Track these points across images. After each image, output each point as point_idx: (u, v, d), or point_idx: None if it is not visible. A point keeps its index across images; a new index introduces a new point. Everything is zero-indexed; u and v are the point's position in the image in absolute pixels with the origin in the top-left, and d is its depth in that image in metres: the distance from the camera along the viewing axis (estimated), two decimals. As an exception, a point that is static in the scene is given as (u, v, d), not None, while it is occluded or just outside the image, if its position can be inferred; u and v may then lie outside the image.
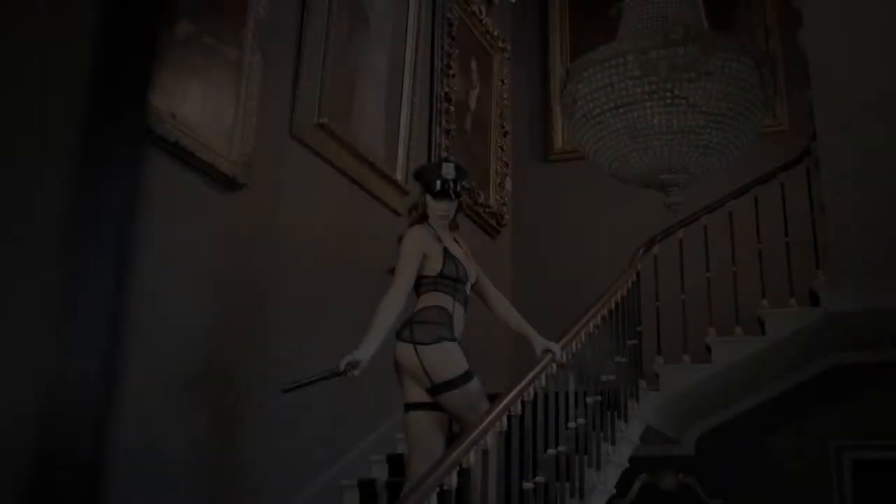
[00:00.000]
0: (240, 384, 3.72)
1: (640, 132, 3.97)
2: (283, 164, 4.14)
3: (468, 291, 3.33)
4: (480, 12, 6.35)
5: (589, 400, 3.99)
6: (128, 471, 2.97)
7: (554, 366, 3.53)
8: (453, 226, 3.40)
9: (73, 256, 0.53)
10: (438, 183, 3.29)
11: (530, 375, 3.33)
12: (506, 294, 3.94)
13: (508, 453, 3.19)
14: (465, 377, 3.13)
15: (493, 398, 3.13)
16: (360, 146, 4.62)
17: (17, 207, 0.52)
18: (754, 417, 5.75)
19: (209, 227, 3.62)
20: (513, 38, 7.02)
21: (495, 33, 6.57)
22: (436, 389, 3.11)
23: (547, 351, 3.45)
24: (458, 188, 3.35)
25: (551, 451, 3.53)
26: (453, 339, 3.18)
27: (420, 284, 3.25)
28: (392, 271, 3.24)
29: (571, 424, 3.77)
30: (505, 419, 3.10)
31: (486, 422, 2.91)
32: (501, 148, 6.51)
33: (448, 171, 3.33)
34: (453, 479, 2.66)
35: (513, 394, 3.17)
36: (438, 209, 3.30)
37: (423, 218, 3.33)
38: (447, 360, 3.13)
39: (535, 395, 3.40)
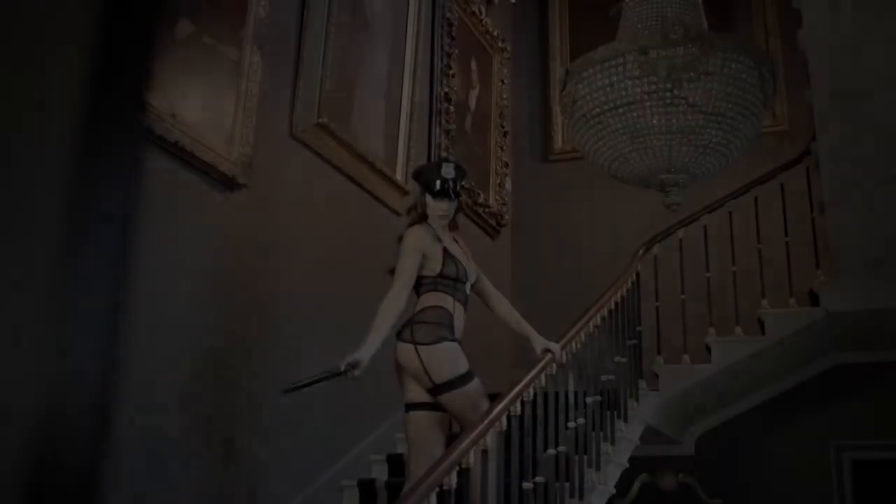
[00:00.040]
0: (240, 384, 3.72)
1: (639, 132, 3.97)
2: (282, 164, 4.14)
3: (468, 291, 3.33)
4: (480, 12, 6.35)
5: (589, 400, 3.99)
6: (128, 471, 2.97)
7: (554, 366, 3.53)
8: (453, 226, 3.40)
9: (73, 256, 0.53)
10: (438, 183, 3.29)
11: (530, 375, 3.33)
12: (506, 294, 3.94)
13: (508, 453, 3.19)
14: (466, 377, 3.13)
15: (494, 398, 3.13)
16: (360, 146, 4.62)
17: (16, 207, 0.52)
18: (754, 417, 5.75)
19: (209, 227, 3.62)
20: (513, 38, 7.02)
21: (495, 33, 6.57)
22: (436, 389, 3.11)
23: (547, 351, 3.45)
24: (458, 188, 3.34)
25: (551, 451, 3.53)
26: (454, 340, 3.18)
27: (420, 284, 3.25)
28: (392, 271, 3.24)
29: (571, 424, 3.77)
30: (505, 419, 3.10)
31: (485, 422, 2.91)
32: (501, 148, 6.51)
33: (448, 170, 3.32)
34: (453, 479, 2.66)
35: (512, 394, 3.17)
36: (438, 209, 3.30)
37: (422, 218, 3.33)
38: (448, 360, 3.13)
39: (535, 395, 3.40)
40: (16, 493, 0.49)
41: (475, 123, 6.18)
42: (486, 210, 6.11)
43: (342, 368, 2.99)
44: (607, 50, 4.02)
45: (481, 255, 4.52)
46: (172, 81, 3.40)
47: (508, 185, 6.56)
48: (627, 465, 4.47)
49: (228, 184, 3.69)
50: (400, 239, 3.29)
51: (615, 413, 4.34)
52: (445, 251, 3.26)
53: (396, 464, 4.27)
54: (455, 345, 3.18)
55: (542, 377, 3.46)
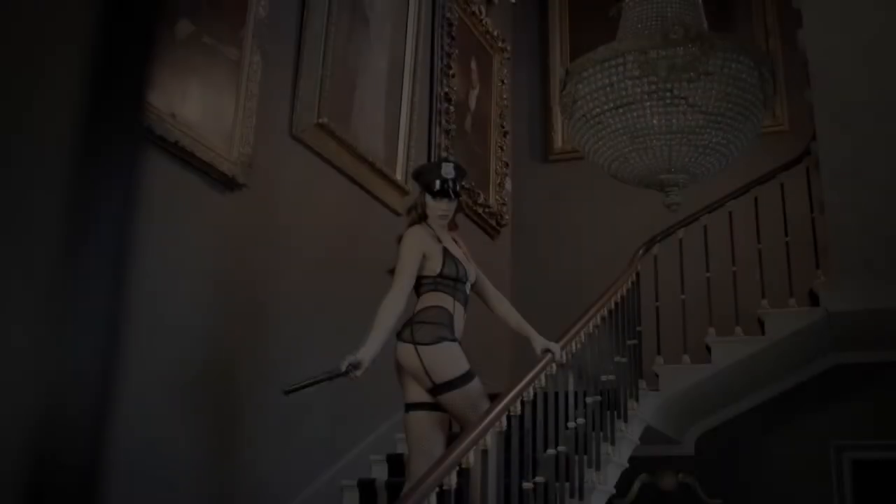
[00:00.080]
0: (240, 384, 3.72)
1: (639, 132, 3.97)
2: (282, 164, 4.14)
3: (468, 291, 3.33)
4: (480, 12, 6.35)
5: (588, 400, 3.99)
6: (128, 471, 2.97)
7: (554, 366, 3.53)
8: (452, 226, 3.40)
9: (72, 256, 0.53)
10: (438, 182, 3.29)
11: (530, 375, 3.33)
12: (506, 294, 3.94)
13: (508, 453, 3.19)
14: (466, 377, 3.14)
15: (493, 398, 3.13)
16: (360, 146, 4.62)
17: (16, 207, 0.52)
18: (754, 417, 5.76)
19: (209, 227, 3.62)
20: (513, 38, 7.02)
21: (495, 33, 6.57)
22: (437, 389, 3.12)
23: (546, 351, 3.45)
24: (458, 188, 3.34)
25: (551, 451, 3.53)
26: (454, 340, 3.18)
27: (420, 285, 3.25)
28: (392, 272, 3.24)
29: (571, 424, 3.77)
30: (504, 419, 3.10)
31: (485, 422, 2.91)
32: (501, 148, 6.51)
33: (447, 170, 3.32)
34: (453, 479, 2.66)
35: (512, 394, 3.17)
36: (438, 209, 3.30)
37: (422, 218, 3.33)
38: (448, 360, 3.13)
39: (535, 394, 3.40)
40: (16, 493, 0.49)
41: (475, 123, 6.18)
42: (486, 210, 6.11)
43: (343, 369, 2.99)
44: (607, 50, 4.01)
45: (481, 255, 4.52)
46: (172, 81, 3.40)
47: (508, 185, 6.56)
48: (627, 465, 4.47)
49: (228, 184, 3.69)
50: (399, 239, 3.29)
51: (615, 413, 4.34)
52: (445, 251, 3.26)
53: (396, 464, 4.27)
54: (455, 345, 3.18)
55: (542, 377, 3.46)
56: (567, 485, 3.68)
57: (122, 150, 0.57)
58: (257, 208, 3.91)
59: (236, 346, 3.73)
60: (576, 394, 3.88)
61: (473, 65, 6.24)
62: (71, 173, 0.53)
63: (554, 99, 6.49)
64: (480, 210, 6.02)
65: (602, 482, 4.02)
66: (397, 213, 4.81)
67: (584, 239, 6.43)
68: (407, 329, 3.17)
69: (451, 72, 5.76)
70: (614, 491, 4.28)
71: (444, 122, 5.63)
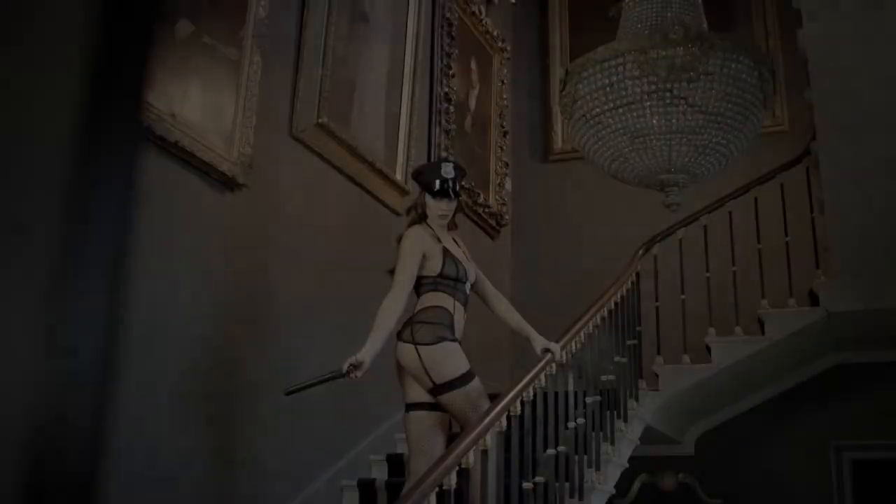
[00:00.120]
0: (239, 384, 3.72)
1: (639, 132, 3.97)
2: (282, 164, 4.14)
3: (468, 291, 3.33)
4: (480, 12, 6.35)
5: (588, 400, 3.99)
6: (128, 471, 2.97)
7: (553, 366, 3.53)
8: (452, 226, 3.40)
9: (70, 256, 0.53)
10: (437, 182, 3.29)
11: (530, 375, 3.33)
12: (506, 294, 3.94)
13: (508, 453, 3.19)
14: (467, 377, 3.14)
15: (494, 398, 3.13)
16: (360, 146, 4.62)
17: (16, 207, 0.52)
18: (754, 417, 5.76)
19: (209, 227, 3.62)
20: (513, 38, 7.02)
21: (495, 33, 6.57)
22: (437, 389, 3.12)
23: (546, 350, 3.45)
24: (458, 187, 3.34)
25: (551, 450, 3.53)
26: (454, 340, 3.18)
27: (420, 285, 3.25)
28: (392, 272, 3.24)
29: (571, 424, 3.77)
30: (504, 419, 3.10)
31: (485, 422, 2.91)
32: (501, 148, 6.51)
33: (447, 170, 3.32)
34: (453, 479, 2.66)
35: (512, 394, 3.17)
36: (438, 209, 3.30)
37: (422, 218, 3.33)
38: (448, 360, 3.13)
39: (535, 394, 3.40)
40: (15, 493, 0.49)
41: (475, 123, 6.18)
42: (486, 210, 6.11)
43: (344, 370, 2.99)
44: (607, 50, 4.01)
45: (481, 255, 4.52)
46: (172, 81, 3.40)
47: (508, 185, 6.56)
48: (627, 465, 4.47)
49: (228, 184, 3.69)
50: (399, 239, 3.29)
51: (615, 413, 4.34)
52: (445, 251, 3.26)
53: (396, 464, 4.27)
54: (455, 345, 3.18)
55: (542, 377, 3.46)
56: (567, 485, 3.68)
57: (121, 150, 0.57)
58: (257, 208, 3.91)
59: (236, 345, 3.73)
60: (576, 394, 3.88)
61: (473, 65, 6.24)
62: (71, 173, 0.54)
63: (554, 99, 6.48)
64: (480, 210, 6.02)
65: (602, 482, 4.02)
66: (397, 213, 4.81)
67: (584, 239, 6.43)
68: (407, 329, 3.17)
69: (450, 72, 5.76)
70: (614, 491, 4.28)
71: (444, 122, 5.63)
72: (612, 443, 4.23)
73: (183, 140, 3.38)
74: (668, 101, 3.87)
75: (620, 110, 3.96)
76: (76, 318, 0.54)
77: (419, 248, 3.22)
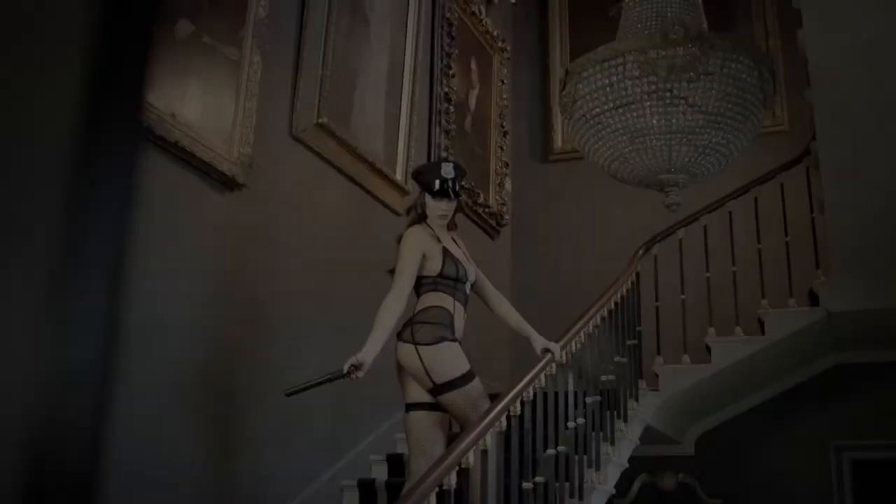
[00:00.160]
0: (239, 384, 3.72)
1: (639, 132, 3.97)
2: (282, 164, 4.14)
3: (468, 291, 3.33)
4: (480, 12, 6.35)
5: (588, 400, 3.99)
6: (127, 471, 2.97)
7: (553, 365, 3.53)
8: (452, 225, 3.40)
9: (70, 256, 0.53)
10: (437, 182, 3.29)
11: (530, 375, 3.33)
12: (506, 294, 3.94)
13: (508, 453, 3.19)
14: (467, 377, 3.14)
15: (494, 398, 3.14)
16: (360, 146, 4.62)
17: (16, 207, 0.52)
18: (754, 417, 5.76)
19: (209, 227, 3.62)
20: (513, 38, 7.02)
21: (495, 33, 6.57)
22: (437, 389, 3.12)
23: (546, 350, 3.45)
24: (458, 187, 3.34)
25: (551, 450, 3.53)
26: (454, 339, 3.18)
27: (420, 285, 3.25)
28: (392, 272, 3.24)
29: (571, 424, 3.77)
30: (504, 419, 3.10)
31: (485, 422, 2.91)
32: (501, 148, 6.51)
33: (447, 170, 3.32)
34: (453, 479, 2.66)
35: (512, 394, 3.17)
36: (438, 209, 3.30)
37: (422, 218, 3.33)
38: (448, 360, 3.13)
39: (535, 394, 3.40)
40: (16, 493, 0.49)
41: (475, 123, 6.18)
42: (486, 210, 6.11)
43: (345, 370, 2.99)
44: (607, 50, 4.01)
45: (481, 255, 4.51)
46: (172, 81, 3.40)
47: (508, 185, 6.56)
48: (627, 465, 4.47)
49: (228, 184, 3.69)
50: (399, 239, 3.29)
51: (615, 413, 4.34)
52: (445, 251, 3.26)
53: (396, 464, 4.27)
54: (455, 345, 3.18)
55: (542, 377, 3.46)
56: (567, 485, 3.68)
57: (121, 150, 0.57)
58: (257, 208, 3.91)
59: (236, 345, 3.74)
60: (575, 394, 3.88)
61: (473, 65, 6.24)
62: (71, 173, 0.54)
63: (554, 99, 6.48)
64: (480, 210, 6.02)
65: (602, 482, 4.02)
66: (397, 213, 4.81)
67: (584, 239, 6.43)
68: (407, 329, 3.17)
69: (450, 72, 5.76)
70: (614, 491, 4.28)
71: (443, 122, 5.63)
72: (612, 443, 4.23)
73: (183, 140, 3.38)
74: (668, 101, 3.87)
75: (620, 110, 3.96)
76: (76, 317, 0.54)
77: (419, 248, 3.22)
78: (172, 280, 3.37)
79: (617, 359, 4.45)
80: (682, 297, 5.01)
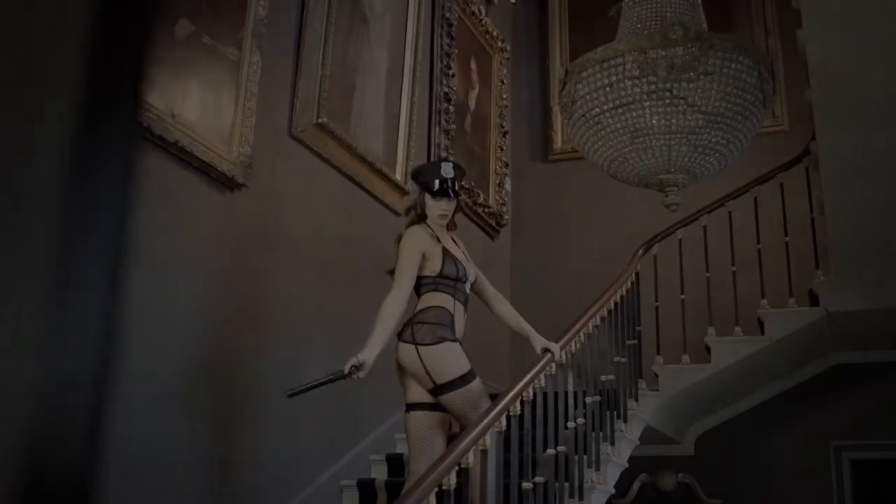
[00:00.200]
0: (239, 383, 3.72)
1: (638, 132, 3.97)
2: (282, 164, 4.14)
3: (468, 291, 3.33)
4: (480, 12, 6.35)
5: (588, 400, 3.99)
6: (127, 471, 2.97)
7: (553, 365, 3.53)
8: (451, 225, 3.40)
9: (68, 256, 0.53)
10: (437, 182, 3.29)
11: (529, 375, 3.33)
12: (506, 294, 3.94)
13: (508, 453, 3.19)
14: (467, 377, 3.14)
15: (494, 398, 3.14)
16: (360, 146, 4.62)
17: (14, 207, 0.52)
18: (754, 417, 5.76)
19: (209, 227, 3.62)
20: (513, 38, 7.02)
21: (495, 33, 6.57)
22: (438, 390, 3.12)
23: (546, 350, 3.45)
24: (457, 187, 3.35)
25: (550, 450, 3.53)
26: (454, 340, 3.18)
27: (420, 285, 3.25)
28: (392, 272, 3.24)
29: (571, 424, 3.77)
30: (504, 419, 3.10)
31: (485, 422, 2.91)
32: (501, 148, 6.51)
33: (447, 170, 3.32)
34: (452, 479, 2.66)
35: (512, 394, 3.17)
36: (437, 208, 3.30)
37: (421, 218, 3.33)
38: (449, 360, 3.13)
39: (535, 394, 3.40)
40: (15, 493, 0.49)
41: (475, 123, 6.18)
42: (486, 210, 6.11)
43: (346, 371, 2.99)
44: (607, 50, 4.01)
45: (481, 255, 4.52)
46: (172, 81, 3.40)
47: (508, 185, 6.56)
48: (627, 465, 4.47)
49: (228, 184, 3.69)
50: (398, 239, 3.29)
51: (615, 413, 4.34)
52: (445, 251, 3.26)
53: (396, 464, 4.28)
54: (456, 345, 3.18)
55: (542, 377, 3.46)
56: (567, 485, 3.68)
57: (119, 149, 0.57)
58: (257, 208, 3.91)
59: (236, 345, 3.73)
60: (575, 394, 3.88)
61: (473, 65, 6.24)
62: (69, 173, 0.54)
63: (554, 99, 6.48)
64: (480, 210, 6.02)
65: (601, 482, 4.02)
66: (397, 213, 4.81)
67: (584, 239, 6.43)
68: (408, 329, 3.17)
69: (450, 72, 5.76)
70: (614, 491, 4.28)
71: (443, 122, 5.63)
72: (612, 443, 4.23)
73: (182, 140, 3.38)
74: (667, 101, 3.87)
75: (620, 110, 3.96)
76: (75, 318, 0.54)
77: (419, 249, 3.22)
78: (172, 280, 3.37)
79: (617, 359, 4.45)
80: (682, 297, 5.01)
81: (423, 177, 3.37)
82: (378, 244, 4.30)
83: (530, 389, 3.35)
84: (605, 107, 4.00)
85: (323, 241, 4.38)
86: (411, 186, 4.44)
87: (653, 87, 3.86)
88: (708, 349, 5.05)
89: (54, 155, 0.54)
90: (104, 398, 0.55)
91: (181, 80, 3.45)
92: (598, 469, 3.98)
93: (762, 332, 5.07)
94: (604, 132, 4.09)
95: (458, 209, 3.40)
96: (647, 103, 3.88)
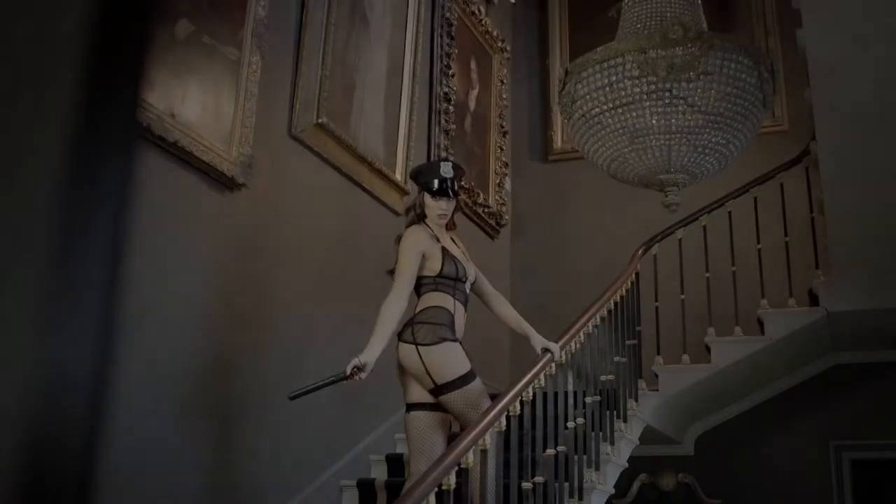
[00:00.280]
0: (239, 384, 3.72)
1: (638, 132, 3.97)
2: (282, 164, 4.14)
3: (468, 291, 3.33)
4: (480, 12, 6.35)
5: (588, 400, 3.99)
6: (127, 471, 2.97)
7: (553, 365, 3.53)
8: (451, 225, 3.40)
9: (67, 256, 0.53)
10: (436, 182, 3.29)
11: (529, 375, 3.33)
12: (505, 294, 3.94)
13: (508, 453, 3.19)
14: (468, 377, 3.14)
15: (494, 398, 3.14)
16: (360, 146, 4.62)
17: (13, 208, 0.52)
18: (754, 417, 5.76)
19: (208, 227, 3.62)
20: (513, 38, 7.02)
21: (495, 33, 6.57)
22: (438, 390, 3.12)
23: (546, 350, 3.45)
24: (456, 187, 3.35)
25: (550, 450, 3.53)
26: (455, 340, 3.18)
27: (420, 285, 3.25)
28: (392, 272, 3.24)
29: (570, 424, 3.77)
30: (504, 419, 3.10)
31: (485, 421, 2.91)
32: (501, 148, 6.51)
33: (446, 169, 3.33)
34: (452, 479, 2.66)
35: (512, 393, 3.17)
36: (437, 208, 3.30)
37: (421, 218, 3.33)
38: (450, 360, 3.13)
39: (534, 394, 3.40)
40: (15, 493, 0.49)
41: (475, 123, 6.18)
42: (486, 210, 6.11)
43: (348, 372, 2.99)
44: (606, 50, 4.01)
45: (481, 255, 4.52)
46: (172, 81, 3.40)
47: (508, 185, 6.56)
48: (627, 465, 4.47)
49: (228, 184, 3.69)
50: (398, 240, 3.29)
51: (615, 413, 4.34)
52: (444, 251, 3.27)
53: (396, 464, 4.28)
54: (456, 345, 3.18)
55: (542, 377, 3.46)
56: (566, 485, 3.68)
57: (118, 148, 0.57)
58: (257, 208, 3.91)
59: (236, 345, 3.73)
60: (575, 394, 3.88)
61: (473, 65, 6.24)
62: (68, 172, 0.54)
63: (554, 99, 6.48)
64: (480, 210, 6.02)
65: (601, 482, 4.02)
66: (397, 213, 4.81)
67: (584, 239, 6.43)
68: (408, 329, 3.17)
69: (450, 72, 5.76)
70: (614, 491, 4.28)
71: (443, 122, 5.63)
72: (612, 443, 4.23)
73: (182, 140, 3.38)
74: (667, 101, 3.87)
75: (620, 110, 3.96)
76: (74, 318, 0.54)
77: (419, 248, 3.22)
78: (172, 280, 3.37)
79: (616, 359, 4.45)
80: (682, 297, 5.01)
81: (422, 177, 3.37)
82: (378, 244, 4.30)
83: (530, 389, 3.35)
84: (605, 107, 4.00)
85: (323, 241, 4.38)
86: (411, 186, 4.44)
87: (652, 87, 3.86)
88: (708, 349, 5.05)
89: (54, 155, 0.54)
90: (104, 398, 0.55)
91: (181, 80, 3.45)
92: (597, 469, 3.98)
93: (762, 332, 5.07)
94: (603, 132, 4.09)
95: (457, 209, 3.40)
96: (647, 103, 3.89)
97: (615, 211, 6.28)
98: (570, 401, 3.81)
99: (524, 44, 7.10)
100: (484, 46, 6.45)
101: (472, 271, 3.35)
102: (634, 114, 3.92)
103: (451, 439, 3.00)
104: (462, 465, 2.74)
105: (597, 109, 4.03)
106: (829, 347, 5.52)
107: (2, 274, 0.51)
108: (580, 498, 3.74)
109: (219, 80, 3.68)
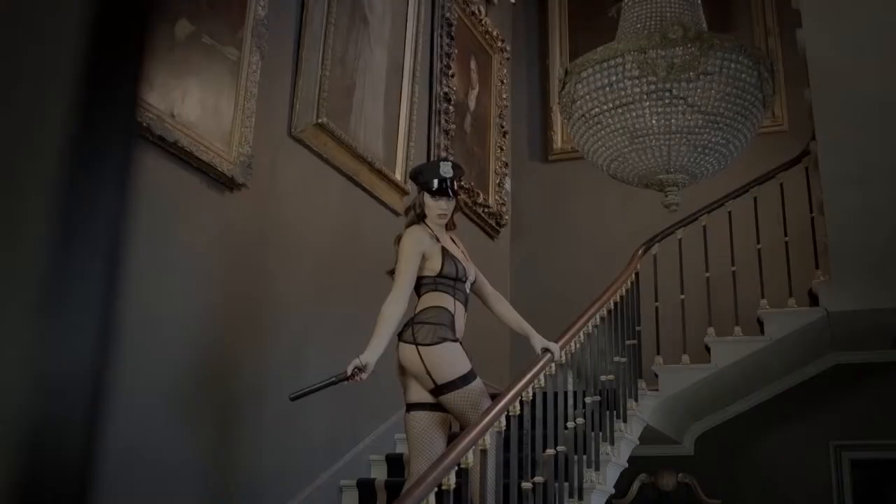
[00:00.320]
0: (239, 384, 3.72)
1: (638, 132, 3.97)
2: (282, 164, 4.14)
3: (468, 291, 3.33)
4: (480, 12, 6.35)
5: (588, 400, 3.99)
6: (126, 472, 2.97)
7: (553, 365, 3.53)
8: (451, 225, 3.40)
9: (66, 256, 0.53)
10: (436, 182, 3.29)
11: (529, 375, 3.33)
12: (505, 294, 3.94)
13: (507, 453, 3.20)
14: (468, 377, 3.14)
15: (494, 398, 3.14)
16: (360, 146, 4.62)
17: (11, 208, 0.52)
18: (753, 417, 5.76)
19: (208, 227, 3.62)
20: (513, 39, 7.02)
21: (495, 33, 6.57)
22: (438, 390, 3.12)
23: (546, 350, 3.45)
24: (456, 187, 3.35)
25: (550, 450, 3.53)
26: (455, 340, 3.18)
27: (420, 285, 3.25)
28: (392, 273, 3.24)
29: (570, 424, 3.77)
30: (504, 419, 3.10)
31: (484, 421, 2.91)
32: (501, 148, 6.51)
33: (445, 169, 3.33)
34: (452, 479, 2.66)
35: (512, 393, 3.17)
36: (437, 208, 3.30)
37: (420, 218, 3.33)
38: (450, 360, 3.13)
39: (534, 394, 3.40)
40: (14, 493, 0.49)
41: (475, 123, 6.18)
42: (486, 210, 6.11)
43: (349, 372, 2.99)
44: (606, 50, 4.01)
45: (481, 255, 4.52)
46: (172, 81, 3.40)
47: (508, 185, 6.56)
48: (627, 465, 4.47)
49: (228, 184, 3.69)
50: (398, 240, 3.29)
51: (614, 413, 4.34)
52: (444, 251, 3.27)
53: (396, 464, 4.28)
54: (456, 345, 3.18)
55: (542, 377, 3.46)
56: (566, 485, 3.68)
57: (117, 148, 0.57)
58: (257, 208, 3.91)
59: (235, 345, 3.73)
60: (575, 394, 3.88)
61: (473, 65, 6.24)
62: (67, 172, 0.54)
63: (553, 99, 6.48)
64: (480, 210, 6.02)
65: (601, 482, 4.02)
66: (397, 213, 4.81)
67: (584, 239, 6.43)
68: (408, 329, 3.17)
69: (450, 72, 5.76)
70: (613, 491, 4.28)
71: (443, 122, 5.63)
72: (612, 443, 4.23)
73: (182, 140, 3.38)
74: (667, 101, 3.87)
75: (619, 110, 3.96)
76: (73, 318, 0.54)
77: (418, 248, 3.22)
78: (171, 280, 3.37)
79: (616, 359, 4.45)
80: (682, 296, 5.01)
81: (422, 176, 3.37)
82: (378, 244, 4.30)
83: (530, 389, 3.35)
84: (605, 107, 4.00)
85: (323, 241, 4.38)
86: (411, 186, 4.44)
87: (652, 87, 3.86)
88: (708, 349, 5.05)
89: (54, 155, 0.54)
90: (103, 398, 0.55)
91: (181, 80, 3.45)
92: (597, 469, 3.98)
93: (762, 332, 5.07)
94: (603, 132, 4.09)
95: (457, 209, 3.40)
96: (647, 103, 3.88)
97: (615, 211, 6.28)
98: (570, 401, 3.81)
99: (524, 44, 7.10)
100: (484, 46, 6.45)
101: (472, 271, 3.35)
102: (634, 114, 3.92)
103: (451, 439, 3.00)
104: (462, 465, 2.74)
105: (597, 109, 4.03)
106: (828, 347, 5.53)
107: (1, 274, 0.51)
108: (580, 498, 3.74)
109: (218, 80, 3.68)
